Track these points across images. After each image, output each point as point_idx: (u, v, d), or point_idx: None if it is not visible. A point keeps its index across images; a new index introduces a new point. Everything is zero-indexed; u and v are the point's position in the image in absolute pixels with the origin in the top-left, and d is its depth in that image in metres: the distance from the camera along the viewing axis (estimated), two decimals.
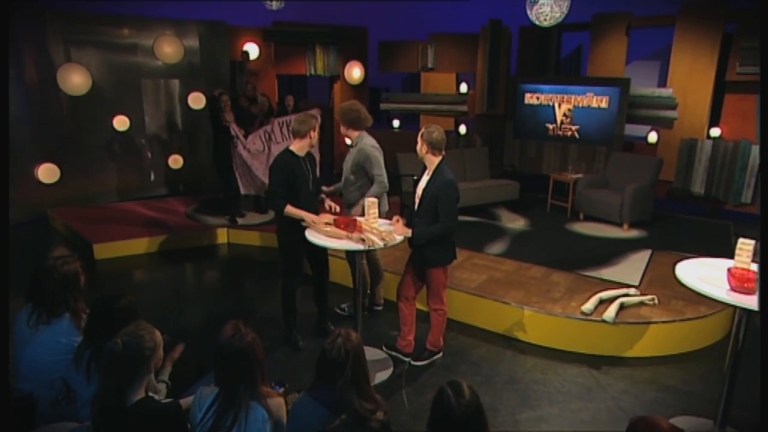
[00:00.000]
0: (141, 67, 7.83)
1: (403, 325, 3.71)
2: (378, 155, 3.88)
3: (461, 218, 6.51)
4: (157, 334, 2.01)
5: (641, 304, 4.01)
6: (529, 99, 8.36)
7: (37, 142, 7.10)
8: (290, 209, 3.46)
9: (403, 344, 3.73)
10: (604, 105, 7.69)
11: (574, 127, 8.01)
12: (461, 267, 4.80)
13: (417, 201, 3.43)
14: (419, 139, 3.31)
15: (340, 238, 3.25)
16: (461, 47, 9.50)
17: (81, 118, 7.45)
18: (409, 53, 9.91)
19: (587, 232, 6.13)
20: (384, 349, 3.84)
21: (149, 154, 8.23)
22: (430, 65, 9.79)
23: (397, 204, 6.38)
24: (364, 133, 3.98)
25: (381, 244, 3.19)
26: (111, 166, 7.86)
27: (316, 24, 9.56)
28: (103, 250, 5.74)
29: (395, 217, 3.43)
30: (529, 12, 4.48)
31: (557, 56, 8.94)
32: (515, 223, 6.48)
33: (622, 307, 3.90)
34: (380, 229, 3.27)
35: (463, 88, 10.05)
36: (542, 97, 8.24)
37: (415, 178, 3.87)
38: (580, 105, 7.90)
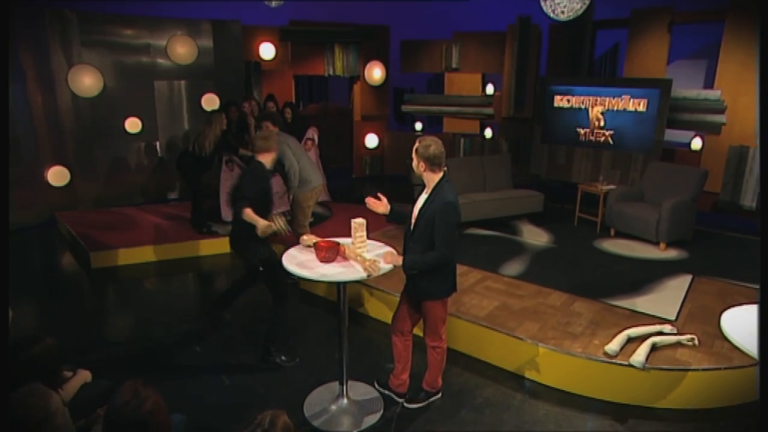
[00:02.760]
0: (154, 68, 7.65)
1: (396, 362, 3.28)
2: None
3: (478, 232, 6.10)
4: (55, 399, 1.65)
5: (678, 344, 3.43)
6: (559, 101, 7.76)
7: (47, 145, 7.01)
8: (249, 213, 3.30)
9: (396, 383, 3.29)
10: (641, 108, 7.02)
11: (607, 133, 7.37)
12: (472, 291, 4.32)
13: (412, 222, 2.98)
14: (414, 154, 2.86)
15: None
16: (488, 46, 8.96)
17: (92, 120, 7.32)
18: (433, 53, 9.43)
19: (618, 252, 5.51)
20: (376, 386, 3.41)
21: (161, 157, 8.05)
22: (454, 65, 9.30)
23: None
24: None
25: (363, 274, 2.76)
26: (122, 169, 7.71)
27: (335, 23, 9.21)
28: (100, 259, 5.52)
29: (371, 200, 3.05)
30: (543, 4, 3.95)
31: (591, 56, 8.28)
32: (538, 238, 5.92)
33: (654, 347, 3.34)
34: (365, 257, 2.85)
35: (490, 89, 9.51)
36: (573, 99, 7.62)
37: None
38: (615, 108, 7.25)
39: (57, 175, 7.11)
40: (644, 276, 4.75)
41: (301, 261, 2.93)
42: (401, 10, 9.96)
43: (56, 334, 4.11)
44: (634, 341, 3.43)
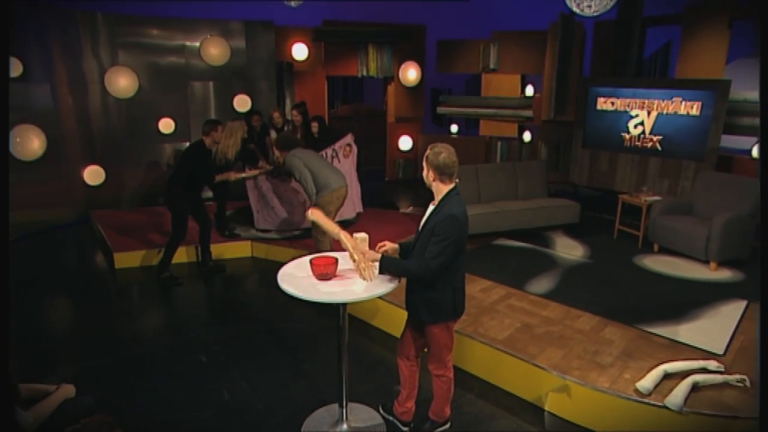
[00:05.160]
0: (187, 69, 7.70)
1: (402, 387, 3.03)
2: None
3: (507, 243, 5.72)
4: None
5: (725, 385, 3.01)
6: (603, 104, 7.26)
7: (83, 145, 7.18)
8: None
9: (401, 411, 3.05)
10: (694, 112, 6.45)
11: (655, 138, 6.82)
12: (492, 309, 4.01)
13: (417, 234, 2.73)
14: (424, 162, 2.61)
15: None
16: (528, 46, 8.54)
17: (127, 121, 7.44)
18: (470, 53, 9.11)
19: (661, 270, 5.02)
20: (381, 411, 3.18)
21: None
22: (492, 66, 8.93)
23: None
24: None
25: (363, 296, 2.54)
26: (156, 169, 7.80)
27: (370, 23, 9.02)
28: (123, 260, 5.57)
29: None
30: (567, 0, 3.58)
31: (639, 55, 7.71)
32: (571, 252, 5.51)
33: (695, 387, 2.94)
34: (360, 257, 2.65)
35: (529, 90, 9.08)
36: (618, 102, 7.11)
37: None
38: (665, 112, 6.70)
39: (93, 175, 7.28)
40: (689, 300, 4.28)
41: (297, 278, 2.74)
42: (438, 9, 9.67)
43: (63, 334, 4.29)
44: (671, 378, 3.04)
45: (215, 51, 7.64)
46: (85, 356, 3.85)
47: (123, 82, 7.11)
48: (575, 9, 3.58)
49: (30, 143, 6.36)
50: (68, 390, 2.46)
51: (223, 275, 5.40)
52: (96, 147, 7.27)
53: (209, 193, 6.34)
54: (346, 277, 2.72)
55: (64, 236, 6.74)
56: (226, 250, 5.81)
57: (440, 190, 2.61)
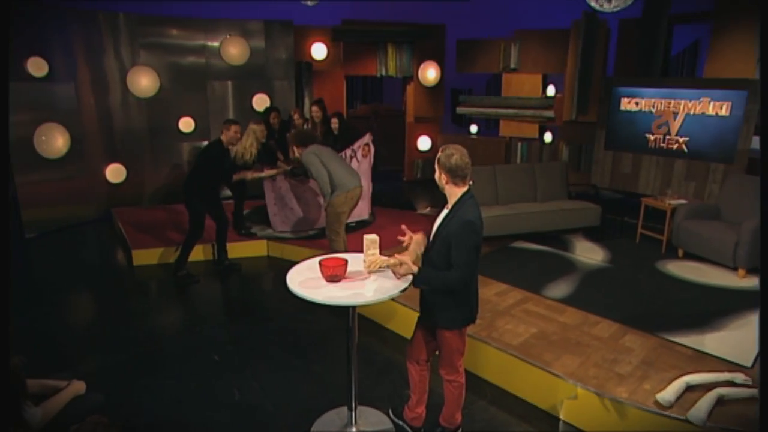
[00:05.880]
0: (207, 69, 7.77)
1: (412, 392, 2.97)
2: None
3: (525, 246, 5.60)
4: None
5: (752, 399, 2.86)
6: (627, 104, 7.07)
7: (105, 143, 7.31)
8: None
9: (411, 416, 2.99)
10: (723, 112, 6.22)
11: (681, 139, 6.61)
12: (508, 314, 3.92)
13: (430, 240, 2.67)
14: (436, 165, 2.55)
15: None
16: (549, 45, 8.38)
17: (148, 120, 7.54)
18: (490, 52, 8.98)
19: (685, 276, 4.85)
20: (391, 415, 3.12)
21: None
22: (513, 65, 8.79)
23: None
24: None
25: (371, 299, 2.49)
26: (176, 167, 7.89)
27: (389, 22, 8.97)
28: (141, 257, 5.64)
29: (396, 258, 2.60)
30: None
31: (666, 54, 7.48)
32: (592, 255, 5.36)
33: (720, 401, 2.81)
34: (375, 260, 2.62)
35: (551, 90, 8.91)
36: (643, 102, 6.91)
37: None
38: (692, 112, 6.48)
39: (114, 172, 7.42)
40: (715, 308, 4.12)
41: (307, 279, 2.70)
42: (458, 8, 9.55)
43: (78, 330, 4.34)
44: (694, 390, 2.91)
45: (235, 51, 7.71)
46: (99, 352, 3.90)
47: (144, 82, 7.22)
48: (594, 4, 3.46)
49: (54, 141, 6.49)
50: (78, 387, 2.47)
51: (239, 274, 5.42)
52: (117, 145, 7.39)
53: (229, 192, 6.37)
54: (356, 279, 2.68)
55: (86, 233, 6.86)
56: (242, 248, 5.83)
57: (454, 193, 2.55)
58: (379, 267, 2.64)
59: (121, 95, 7.26)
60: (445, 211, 2.62)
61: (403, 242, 2.73)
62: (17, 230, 6.43)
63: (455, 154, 2.49)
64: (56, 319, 4.49)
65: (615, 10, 3.36)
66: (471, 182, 2.57)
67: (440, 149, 2.56)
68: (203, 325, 4.38)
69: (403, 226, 2.77)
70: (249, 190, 6.09)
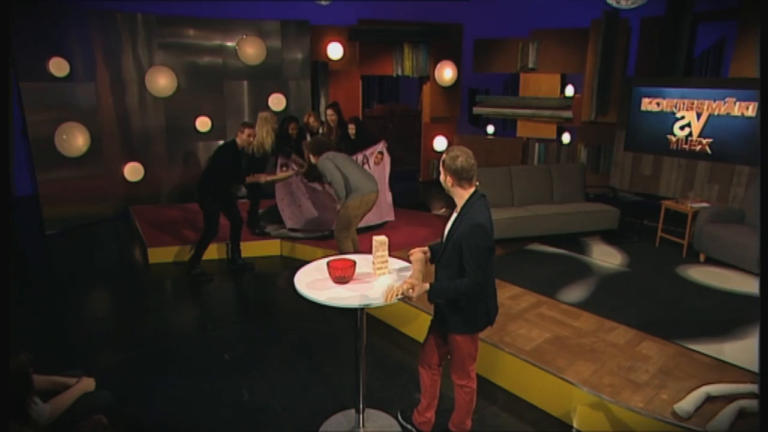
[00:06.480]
0: (224, 68, 7.83)
1: (422, 396, 2.93)
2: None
3: (541, 249, 5.52)
4: None
5: None
6: (648, 105, 6.91)
7: (124, 142, 7.41)
8: None
9: (420, 420, 2.95)
10: (750, 113, 6.03)
11: (705, 141, 6.43)
12: (521, 318, 3.85)
13: (441, 245, 2.62)
14: (441, 167, 2.51)
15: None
16: (568, 44, 8.25)
17: (166, 119, 7.63)
18: (508, 52, 8.88)
19: (707, 282, 4.70)
20: (399, 418, 3.09)
21: None
22: (531, 65, 8.67)
23: None
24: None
25: (376, 302, 2.45)
26: (193, 166, 7.96)
27: (406, 21, 8.93)
28: (157, 255, 5.69)
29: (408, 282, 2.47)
30: None
31: (689, 53, 7.29)
32: (609, 259, 5.24)
33: (741, 414, 2.70)
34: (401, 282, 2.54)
35: (569, 91, 8.75)
36: (664, 102, 6.75)
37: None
38: (716, 113, 6.30)
39: (132, 171, 7.52)
40: (738, 315, 3.98)
41: (314, 280, 2.68)
42: (475, 7, 9.45)
43: (91, 326, 4.37)
44: (715, 401, 2.81)
45: (251, 51, 7.75)
46: (112, 349, 3.94)
47: (162, 82, 7.31)
48: (610, 2, 3.37)
49: (75, 140, 6.61)
50: (88, 383, 2.48)
51: (252, 273, 5.43)
52: (135, 144, 7.49)
53: (244, 191, 6.40)
54: (364, 280, 2.65)
55: (104, 230, 6.97)
56: (256, 248, 5.85)
57: (460, 195, 2.50)
58: (397, 297, 2.45)
59: (139, 95, 7.36)
60: (454, 215, 2.57)
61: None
62: (38, 227, 6.58)
63: (460, 156, 2.44)
64: (71, 315, 4.56)
65: (632, 6, 3.27)
66: (477, 183, 2.52)
67: (445, 152, 2.52)
68: (215, 323, 4.40)
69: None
70: (264, 190, 6.12)
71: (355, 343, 2.81)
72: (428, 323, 2.86)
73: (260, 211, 6.31)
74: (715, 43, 7.84)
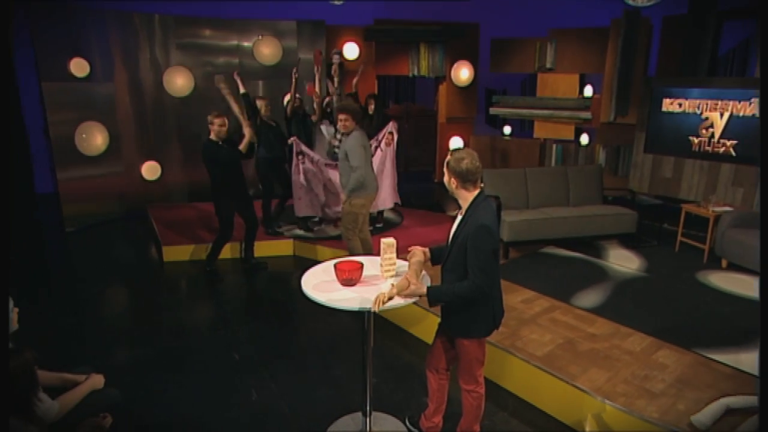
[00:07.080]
0: (240, 68, 7.85)
1: (430, 400, 2.89)
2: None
3: (555, 252, 5.41)
4: None
5: None
6: (669, 105, 6.73)
7: (142, 141, 7.51)
8: None
9: (427, 425, 2.91)
10: None
11: (729, 143, 6.24)
12: (534, 322, 3.77)
13: (447, 247, 2.58)
14: (445, 169, 2.46)
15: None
16: (587, 44, 8.10)
17: (183, 119, 7.71)
18: (526, 52, 8.76)
19: (728, 289, 4.55)
20: (407, 423, 3.05)
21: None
22: (548, 65, 8.54)
23: None
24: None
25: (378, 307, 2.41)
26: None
27: (422, 21, 8.87)
28: (171, 253, 5.75)
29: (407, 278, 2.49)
30: None
31: (713, 53, 7.09)
32: (626, 264, 5.12)
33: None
34: (390, 286, 2.49)
35: (588, 91, 8.59)
36: (687, 103, 6.57)
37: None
38: (741, 114, 6.11)
39: (150, 170, 7.62)
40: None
41: (319, 282, 2.66)
42: (492, 6, 9.35)
43: (104, 324, 4.41)
44: (734, 414, 2.70)
45: (267, 51, 7.79)
46: (123, 347, 3.99)
47: (180, 82, 7.39)
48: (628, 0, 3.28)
49: (94, 139, 6.72)
50: (97, 381, 2.49)
51: (264, 273, 5.45)
52: (153, 143, 7.59)
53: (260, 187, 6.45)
54: (371, 283, 2.62)
55: (122, 228, 7.08)
56: (269, 247, 5.87)
57: (465, 197, 2.46)
58: (383, 306, 2.39)
59: (157, 94, 7.45)
60: (459, 217, 2.53)
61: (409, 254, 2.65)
62: (58, 225, 6.70)
63: (466, 158, 2.40)
64: (86, 312, 4.63)
65: (648, 4, 3.17)
66: (482, 185, 2.48)
67: (450, 154, 2.48)
68: (226, 323, 4.42)
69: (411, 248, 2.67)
70: (277, 189, 6.13)
71: (362, 346, 2.78)
72: (435, 324, 2.81)
73: (278, 209, 6.31)
74: (741, 41, 7.62)
